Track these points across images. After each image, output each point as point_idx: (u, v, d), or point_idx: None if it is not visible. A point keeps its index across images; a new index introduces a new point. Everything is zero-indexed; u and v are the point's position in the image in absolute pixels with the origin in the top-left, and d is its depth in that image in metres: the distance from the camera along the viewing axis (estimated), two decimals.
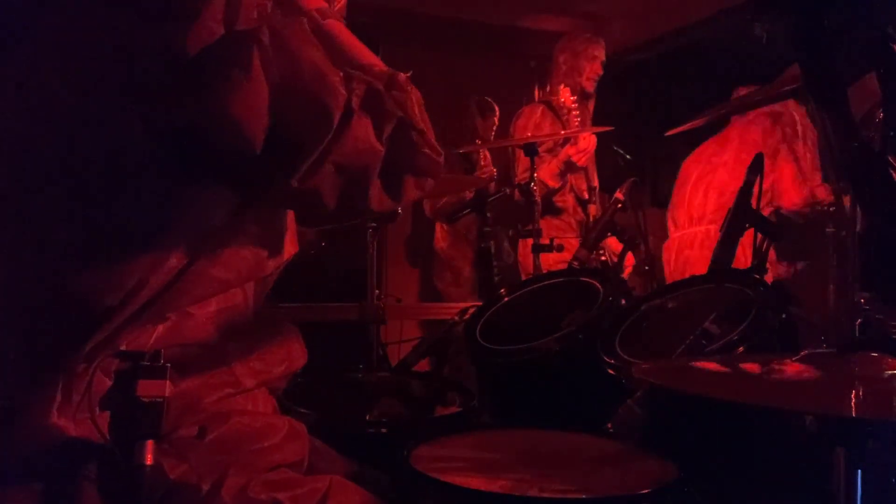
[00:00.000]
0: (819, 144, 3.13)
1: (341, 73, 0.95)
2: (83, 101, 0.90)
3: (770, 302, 1.49)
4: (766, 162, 2.23)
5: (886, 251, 0.96)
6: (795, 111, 3.18)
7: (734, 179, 3.19)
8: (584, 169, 3.58)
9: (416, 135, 1.01)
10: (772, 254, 2.93)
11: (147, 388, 0.89)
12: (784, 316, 1.48)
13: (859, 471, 0.93)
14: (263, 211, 1.04)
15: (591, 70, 3.65)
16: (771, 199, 3.07)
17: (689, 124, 2.14)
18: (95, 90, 0.89)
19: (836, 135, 0.96)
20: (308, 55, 0.92)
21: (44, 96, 0.91)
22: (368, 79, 0.99)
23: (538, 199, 2.98)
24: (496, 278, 3.65)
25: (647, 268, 2.93)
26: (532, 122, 3.68)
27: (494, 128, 4.26)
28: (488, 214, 3.30)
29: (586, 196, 3.67)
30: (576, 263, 2.32)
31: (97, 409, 0.88)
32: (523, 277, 3.46)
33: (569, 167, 3.44)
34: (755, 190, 1.94)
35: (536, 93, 5.24)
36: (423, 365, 2.87)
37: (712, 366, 1.23)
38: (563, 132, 3.40)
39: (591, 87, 3.67)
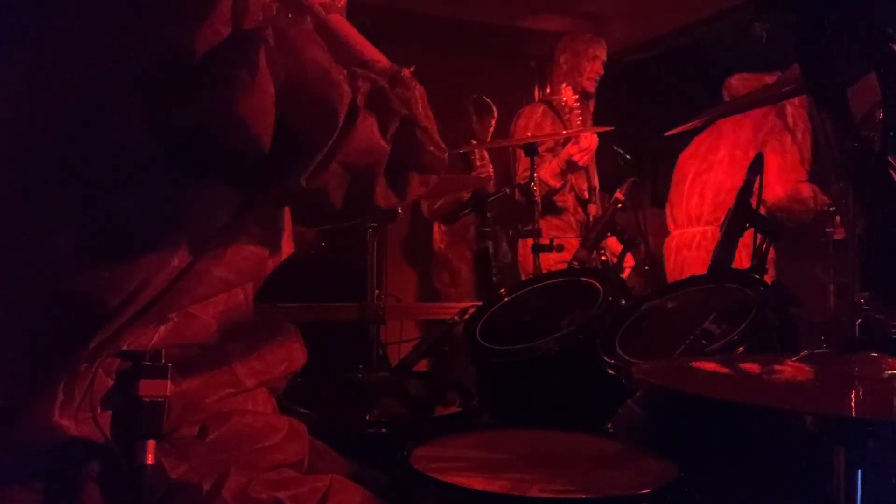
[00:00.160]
0: (813, 140, 3.13)
1: (346, 72, 0.96)
2: (84, 101, 0.89)
3: (770, 302, 1.49)
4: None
5: (886, 251, 0.96)
6: (790, 103, 3.16)
7: (729, 178, 3.21)
8: (585, 168, 3.57)
9: (421, 132, 1.02)
10: (772, 253, 2.93)
11: (148, 388, 0.89)
12: (784, 316, 1.48)
13: (859, 471, 0.93)
14: (264, 211, 1.04)
15: (592, 70, 3.65)
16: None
17: (688, 124, 2.14)
18: (97, 90, 0.89)
19: (836, 135, 0.96)
20: (313, 55, 0.93)
21: (44, 96, 0.91)
22: (373, 76, 0.99)
23: (538, 198, 2.97)
24: (494, 278, 3.65)
25: (647, 268, 2.93)
26: (532, 122, 3.67)
27: (492, 128, 4.24)
28: (488, 214, 3.30)
29: (586, 196, 3.66)
30: (576, 263, 2.31)
31: (99, 408, 0.89)
32: (523, 277, 3.45)
33: (570, 166, 3.43)
34: (755, 189, 1.94)
35: (536, 93, 5.24)
36: (423, 365, 2.87)
37: (712, 366, 1.23)
38: (564, 132, 3.40)
39: (591, 86, 3.67)
